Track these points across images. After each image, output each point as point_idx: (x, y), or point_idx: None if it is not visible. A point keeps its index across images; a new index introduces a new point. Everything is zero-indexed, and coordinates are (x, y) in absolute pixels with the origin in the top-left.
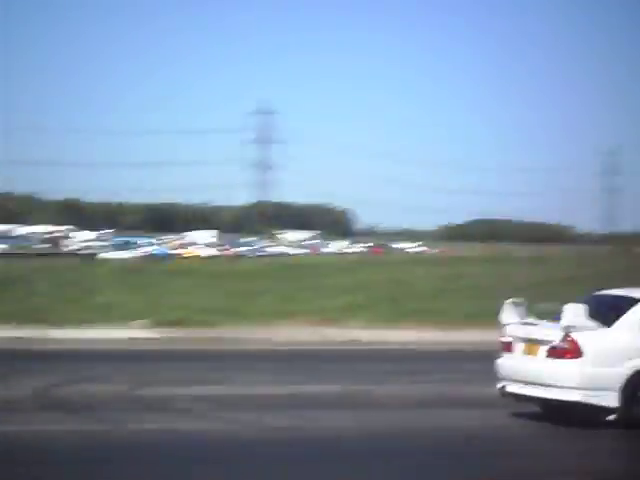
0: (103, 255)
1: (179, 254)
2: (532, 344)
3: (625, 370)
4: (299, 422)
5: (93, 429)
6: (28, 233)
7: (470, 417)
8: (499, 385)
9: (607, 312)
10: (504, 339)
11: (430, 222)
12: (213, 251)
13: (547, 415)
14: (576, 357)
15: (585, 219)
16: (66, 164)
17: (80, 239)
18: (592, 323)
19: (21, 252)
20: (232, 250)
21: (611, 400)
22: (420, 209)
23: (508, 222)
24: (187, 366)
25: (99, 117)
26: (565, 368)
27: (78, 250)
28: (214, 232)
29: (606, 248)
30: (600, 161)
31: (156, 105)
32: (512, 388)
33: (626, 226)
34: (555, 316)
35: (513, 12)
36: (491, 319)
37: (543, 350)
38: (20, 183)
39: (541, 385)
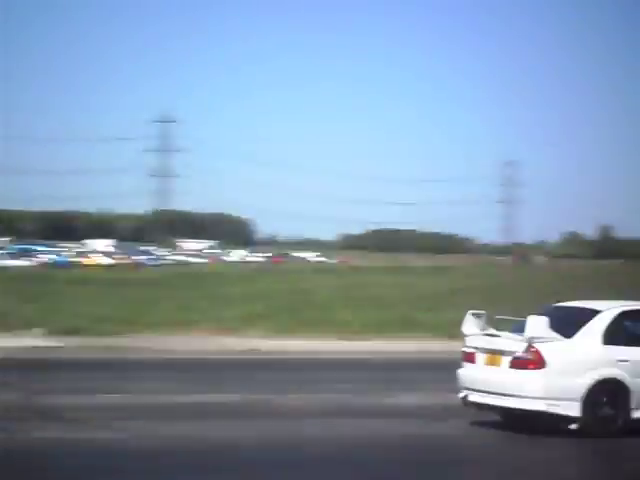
0: (0, 263)
1: (80, 262)
2: (495, 355)
3: (586, 380)
4: (194, 431)
5: None
6: None
7: (373, 426)
8: (461, 394)
9: (567, 324)
10: (466, 349)
11: (330, 232)
12: (112, 260)
13: (508, 424)
14: (539, 368)
15: (485, 230)
16: None
17: None
18: (554, 334)
19: None
20: (132, 259)
21: (573, 409)
22: (320, 219)
23: (409, 232)
24: (86, 375)
25: None
26: (529, 378)
27: None
28: (113, 241)
29: (506, 259)
30: (500, 172)
31: (55, 112)
32: (474, 397)
33: (525, 237)
34: (513, 328)
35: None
36: (390, 328)
37: (506, 361)
38: None
39: (504, 395)
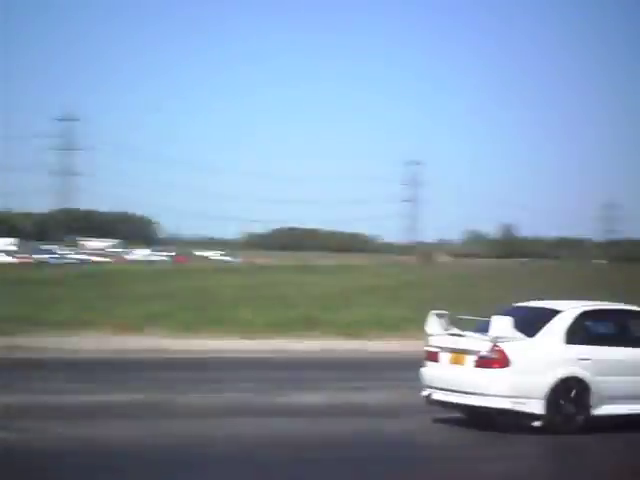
0: None
1: None
2: (459, 354)
3: (549, 379)
4: (98, 431)
5: None
6: None
7: (276, 426)
8: (425, 393)
9: (529, 323)
10: (429, 349)
11: (234, 230)
12: (14, 258)
13: (470, 421)
14: (504, 367)
15: (389, 229)
16: None
17: None
18: (518, 334)
19: None
20: (34, 257)
21: (537, 407)
22: (225, 218)
23: (313, 231)
24: None
25: None
26: (494, 377)
27: None
28: (15, 239)
29: (410, 258)
30: (404, 172)
31: None
32: (438, 396)
33: (429, 236)
34: (476, 327)
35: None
36: (294, 327)
37: (471, 360)
38: None
39: (469, 393)
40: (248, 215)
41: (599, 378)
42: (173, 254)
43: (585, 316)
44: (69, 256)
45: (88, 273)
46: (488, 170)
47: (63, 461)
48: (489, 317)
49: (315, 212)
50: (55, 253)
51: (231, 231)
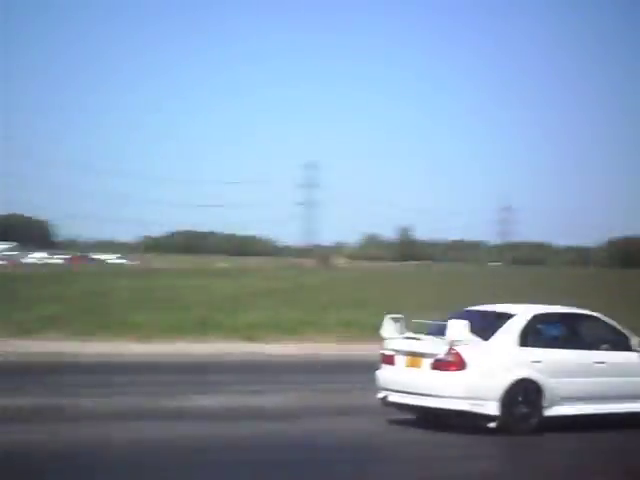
0: None
1: None
2: (415, 357)
3: (504, 381)
4: None
5: None
6: None
7: (176, 429)
8: (380, 395)
9: (483, 327)
10: (385, 352)
11: (134, 234)
12: None
13: (422, 423)
14: (460, 369)
15: (286, 232)
16: None
17: None
18: (474, 337)
19: None
20: None
21: (492, 408)
22: (124, 220)
23: (211, 234)
24: None
25: None
26: (450, 379)
27: None
28: None
29: (308, 261)
30: (301, 175)
31: None
32: (394, 398)
33: (325, 239)
34: (429, 330)
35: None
36: (189, 330)
37: (427, 363)
38: None
39: (426, 395)
40: (148, 218)
41: (551, 380)
42: (69, 257)
43: (537, 319)
44: None
45: None
46: (386, 173)
47: None
48: (441, 321)
49: (214, 215)
50: None
51: (131, 234)
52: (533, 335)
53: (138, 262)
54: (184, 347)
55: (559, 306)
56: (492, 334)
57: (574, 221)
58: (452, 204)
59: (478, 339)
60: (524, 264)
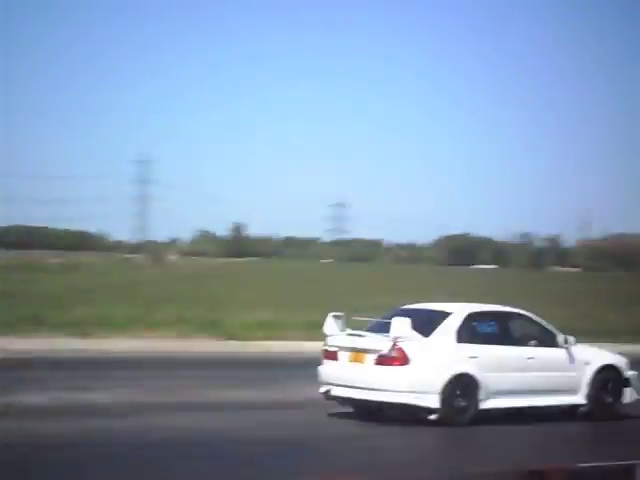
0: None
1: None
2: (358, 353)
3: (444, 375)
4: None
5: None
6: None
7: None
8: (323, 389)
9: (422, 324)
10: (328, 348)
11: None
12: None
13: (361, 416)
14: (403, 364)
15: (118, 227)
16: None
17: None
18: (416, 334)
19: None
20: None
21: (433, 402)
22: None
23: (41, 229)
24: None
25: None
26: (394, 374)
27: None
28: None
29: (140, 257)
30: (133, 170)
31: None
32: (337, 392)
33: (158, 235)
34: (369, 327)
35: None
36: (21, 327)
37: (371, 358)
38: None
39: (370, 389)
40: None
41: (486, 374)
42: None
43: (471, 317)
44: None
45: None
46: (222, 170)
47: None
48: (381, 318)
49: (46, 210)
50: None
51: None
52: (469, 332)
53: None
54: (13, 343)
55: (492, 305)
56: (431, 331)
57: (407, 219)
58: (285, 201)
59: (419, 336)
60: (356, 261)
